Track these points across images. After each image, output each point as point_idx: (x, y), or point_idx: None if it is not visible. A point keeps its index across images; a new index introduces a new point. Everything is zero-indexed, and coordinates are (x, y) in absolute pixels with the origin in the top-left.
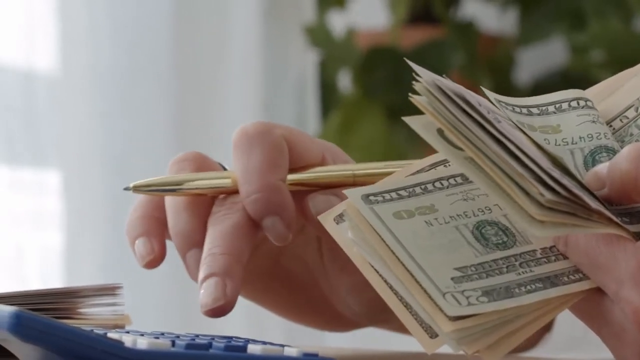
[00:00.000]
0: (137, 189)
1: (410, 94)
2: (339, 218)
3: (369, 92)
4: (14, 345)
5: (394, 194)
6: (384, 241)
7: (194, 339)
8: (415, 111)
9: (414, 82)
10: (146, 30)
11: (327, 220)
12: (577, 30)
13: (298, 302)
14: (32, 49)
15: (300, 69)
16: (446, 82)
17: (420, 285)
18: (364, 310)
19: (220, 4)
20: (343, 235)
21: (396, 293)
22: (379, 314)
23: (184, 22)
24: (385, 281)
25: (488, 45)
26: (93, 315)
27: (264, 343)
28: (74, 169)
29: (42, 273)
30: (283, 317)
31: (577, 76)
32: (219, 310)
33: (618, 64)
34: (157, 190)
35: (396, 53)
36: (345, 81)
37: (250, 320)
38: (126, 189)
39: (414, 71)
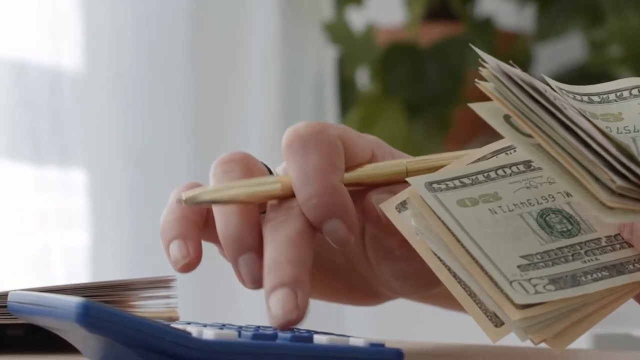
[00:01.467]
0: (188, 201)
1: (476, 80)
2: (401, 206)
3: (388, 89)
4: (75, 336)
5: (457, 182)
6: (449, 229)
7: (258, 330)
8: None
9: (480, 68)
10: (166, 29)
11: (388, 208)
12: (595, 26)
13: (333, 285)
14: (58, 48)
15: (319, 66)
16: (511, 68)
17: (487, 273)
18: (409, 290)
19: (238, 2)
20: (405, 224)
21: (460, 281)
22: (424, 293)
23: (202, 20)
24: (449, 269)
25: (505, 41)
26: (146, 308)
27: (328, 334)
28: (99, 167)
29: (68, 272)
30: (312, 297)
31: (595, 72)
32: (292, 323)
33: (636, 59)
34: (208, 203)
35: (415, 49)
36: (363, 78)
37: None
38: (178, 202)
39: (433, 67)
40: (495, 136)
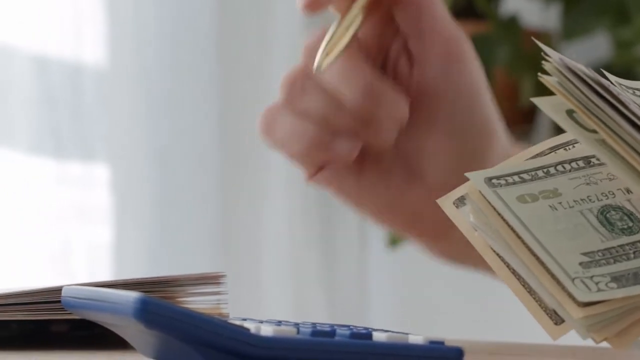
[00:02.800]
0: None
1: (539, 74)
2: (459, 202)
3: None
4: (130, 331)
5: (516, 178)
6: (509, 225)
7: (316, 327)
8: None
9: (543, 62)
10: (190, 26)
11: (446, 204)
12: (621, 25)
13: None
14: (80, 43)
15: None
16: (574, 63)
17: (548, 270)
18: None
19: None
20: (463, 220)
21: (519, 278)
22: None
23: (227, 15)
24: (507, 266)
25: (531, 40)
26: (194, 305)
27: (387, 331)
28: (121, 163)
29: (89, 268)
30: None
31: (621, 71)
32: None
33: None
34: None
35: None
36: None
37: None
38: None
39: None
40: (522, 137)
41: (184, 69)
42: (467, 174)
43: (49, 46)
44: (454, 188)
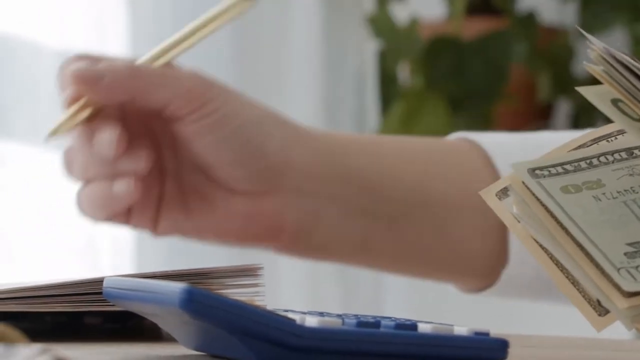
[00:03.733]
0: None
1: (585, 62)
2: (502, 194)
3: (431, 83)
4: (172, 323)
5: (559, 169)
6: (554, 216)
7: (359, 317)
8: (475, 102)
9: (588, 50)
10: None
11: (488, 195)
12: (638, 21)
13: None
14: (103, 40)
15: (360, 59)
16: (619, 51)
17: (593, 261)
18: None
19: None
20: (506, 211)
21: (562, 269)
22: None
23: (245, 15)
24: (551, 257)
25: (548, 36)
26: (232, 296)
27: (431, 322)
28: None
29: (114, 263)
30: None
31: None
32: None
33: None
34: None
35: (458, 44)
36: (404, 72)
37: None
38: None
39: (476, 62)
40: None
41: (200, 65)
42: (511, 164)
43: (74, 43)
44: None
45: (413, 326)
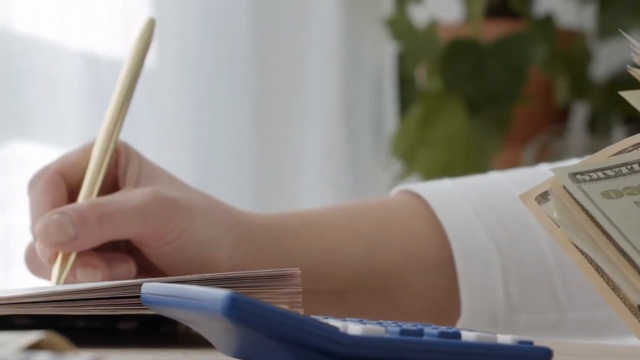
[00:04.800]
0: None
1: (629, 66)
2: (541, 198)
3: (450, 86)
4: (211, 329)
5: (600, 174)
6: (595, 221)
7: (401, 326)
8: (494, 105)
9: (632, 54)
10: (230, 24)
11: (528, 200)
12: None
13: None
14: (127, 41)
15: (378, 62)
16: None
17: (635, 267)
18: None
19: None
20: (545, 216)
21: (603, 274)
22: None
23: (266, 15)
24: (591, 262)
25: (566, 39)
26: (269, 301)
27: (474, 331)
28: (166, 159)
29: None
30: None
31: None
32: None
33: None
34: None
35: (477, 46)
36: (422, 74)
37: None
38: None
39: (494, 64)
40: (556, 136)
41: (224, 68)
42: (551, 169)
43: (97, 44)
44: None
45: (456, 334)
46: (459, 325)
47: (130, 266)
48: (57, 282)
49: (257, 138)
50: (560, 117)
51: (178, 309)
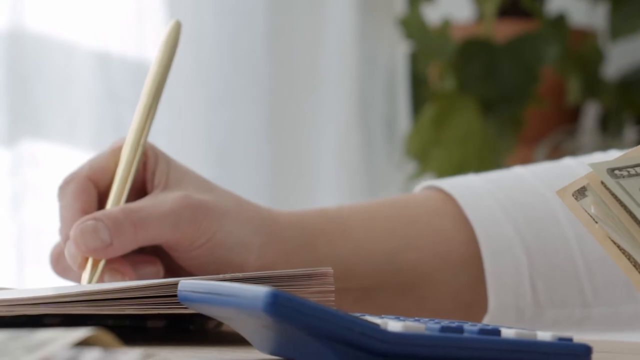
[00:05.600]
0: None
1: None
2: (579, 194)
3: (463, 85)
4: (248, 326)
5: (638, 169)
6: (634, 216)
7: (439, 322)
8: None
9: None
10: (245, 24)
11: (565, 195)
12: None
13: None
14: (142, 40)
15: (391, 61)
16: None
17: None
18: None
19: None
20: (583, 211)
21: None
22: None
23: (281, 15)
24: (629, 258)
25: (577, 39)
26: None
27: (514, 328)
28: (181, 160)
29: None
30: None
31: None
32: None
33: None
34: None
35: (491, 46)
36: (435, 74)
37: None
38: None
39: (507, 64)
40: (567, 136)
41: (239, 68)
42: (589, 164)
43: (111, 43)
44: None
45: (496, 331)
46: (485, 321)
47: (158, 268)
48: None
49: (272, 138)
50: (571, 117)
51: (216, 306)
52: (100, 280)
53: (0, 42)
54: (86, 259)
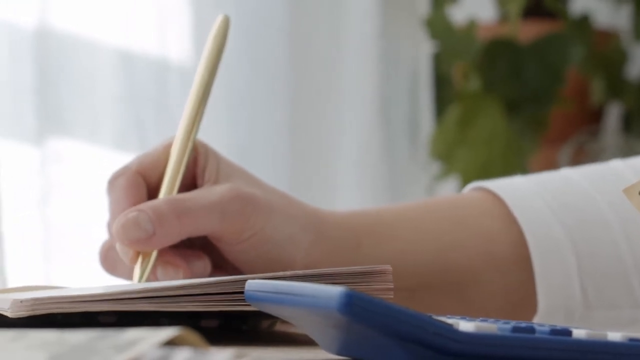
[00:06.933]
0: None
1: None
2: None
3: (488, 86)
4: (315, 326)
5: None
6: None
7: (509, 322)
8: (531, 105)
9: None
10: (265, 25)
11: (632, 193)
12: None
13: None
14: (164, 40)
15: (415, 61)
16: None
17: None
18: None
19: None
20: None
21: None
22: None
23: (301, 15)
24: None
25: (600, 39)
26: None
27: (585, 328)
28: None
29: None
30: None
31: None
32: None
33: None
34: None
35: (515, 46)
36: (459, 74)
37: None
38: None
39: (532, 65)
40: (590, 137)
41: (260, 68)
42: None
43: (133, 42)
44: None
45: (567, 332)
46: (536, 322)
47: (205, 263)
48: (140, 281)
49: (293, 139)
50: (595, 118)
51: (285, 306)
52: (153, 274)
53: (29, 41)
54: (137, 254)
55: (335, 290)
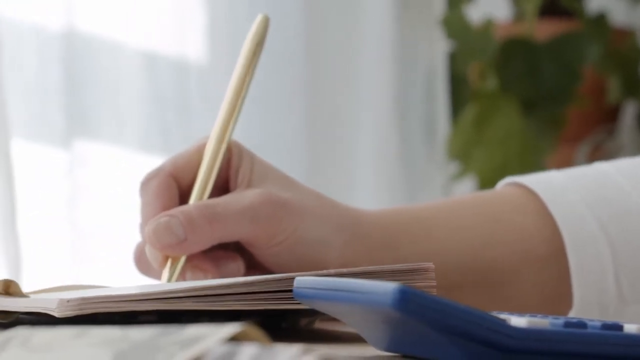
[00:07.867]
0: None
1: None
2: None
3: (505, 85)
4: (359, 320)
5: None
6: None
7: (558, 318)
8: (548, 104)
9: None
10: (281, 25)
11: None
12: None
13: None
14: (183, 40)
15: (431, 61)
16: None
17: None
18: None
19: None
20: None
21: None
22: None
23: (317, 15)
24: None
25: (616, 38)
26: None
27: (637, 324)
28: None
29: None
30: None
31: None
32: None
33: None
34: None
35: (532, 45)
36: (475, 74)
37: None
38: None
39: (549, 64)
40: (606, 135)
41: (273, 66)
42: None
43: (155, 43)
44: None
45: (619, 327)
46: (571, 316)
47: (238, 265)
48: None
49: (309, 138)
50: (611, 116)
51: (336, 303)
52: (182, 278)
53: (56, 43)
54: (166, 258)
55: (390, 286)
